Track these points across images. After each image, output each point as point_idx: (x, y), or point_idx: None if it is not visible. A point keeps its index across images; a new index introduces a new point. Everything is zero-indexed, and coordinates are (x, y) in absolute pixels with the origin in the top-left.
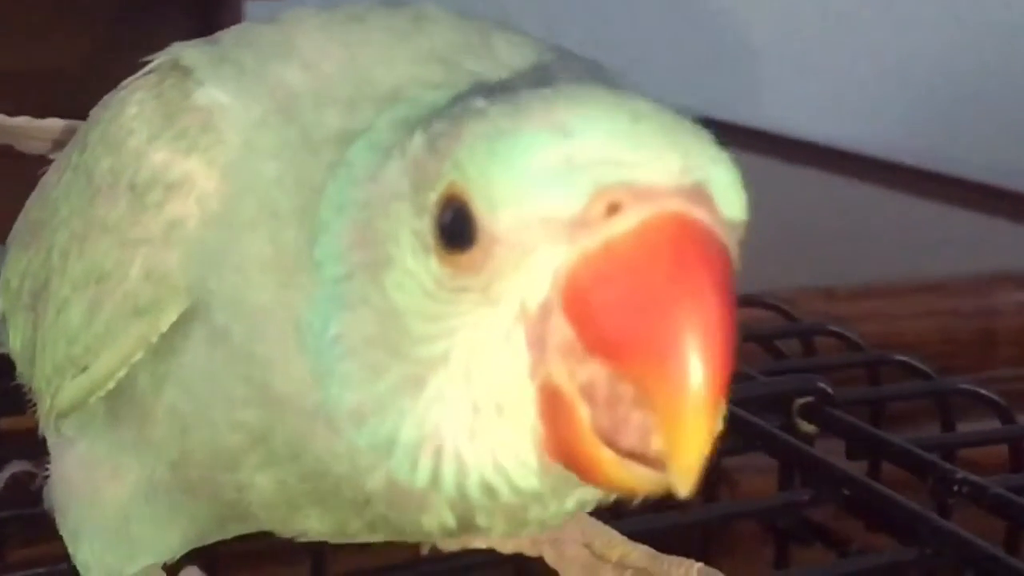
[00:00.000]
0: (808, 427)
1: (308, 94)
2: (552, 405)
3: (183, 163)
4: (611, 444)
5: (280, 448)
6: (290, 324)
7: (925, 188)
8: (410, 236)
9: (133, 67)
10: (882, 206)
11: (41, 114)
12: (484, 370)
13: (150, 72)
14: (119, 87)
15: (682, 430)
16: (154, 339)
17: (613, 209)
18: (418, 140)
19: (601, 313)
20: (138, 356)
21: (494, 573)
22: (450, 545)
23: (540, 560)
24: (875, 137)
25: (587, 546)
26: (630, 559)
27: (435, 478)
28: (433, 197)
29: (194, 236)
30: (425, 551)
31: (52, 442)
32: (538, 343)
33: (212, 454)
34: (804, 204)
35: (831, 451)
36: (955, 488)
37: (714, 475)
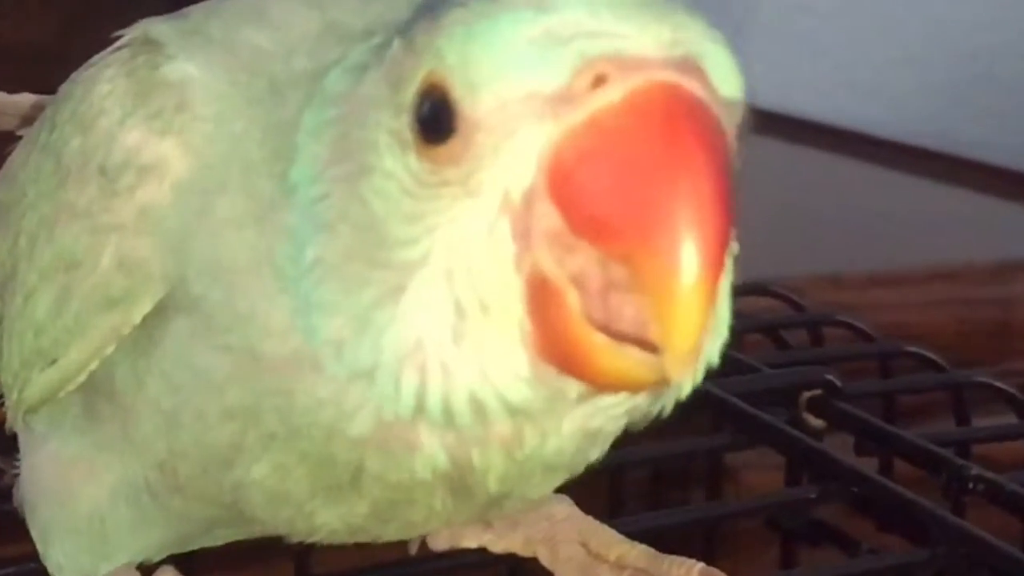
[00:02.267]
0: (816, 421)
1: (277, 50)
2: (540, 296)
3: (157, 145)
4: (604, 331)
5: (270, 421)
6: (268, 273)
7: (939, 171)
8: (388, 138)
9: (105, 41)
10: (894, 189)
11: (10, 89)
12: (466, 267)
13: (120, 48)
14: (88, 63)
15: (676, 312)
16: (127, 331)
17: (599, 81)
18: (396, 45)
19: (588, 192)
20: (110, 349)
21: (486, 574)
22: (440, 544)
23: (534, 560)
24: (887, 117)
25: (583, 545)
26: (628, 559)
27: (420, 398)
28: (411, 91)
29: (169, 221)
30: (413, 550)
31: (23, 438)
32: (523, 233)
33: (204, 451)
34: (812, 187)
35: (840, 447)
36: (970, 485)
37: (718, 471)
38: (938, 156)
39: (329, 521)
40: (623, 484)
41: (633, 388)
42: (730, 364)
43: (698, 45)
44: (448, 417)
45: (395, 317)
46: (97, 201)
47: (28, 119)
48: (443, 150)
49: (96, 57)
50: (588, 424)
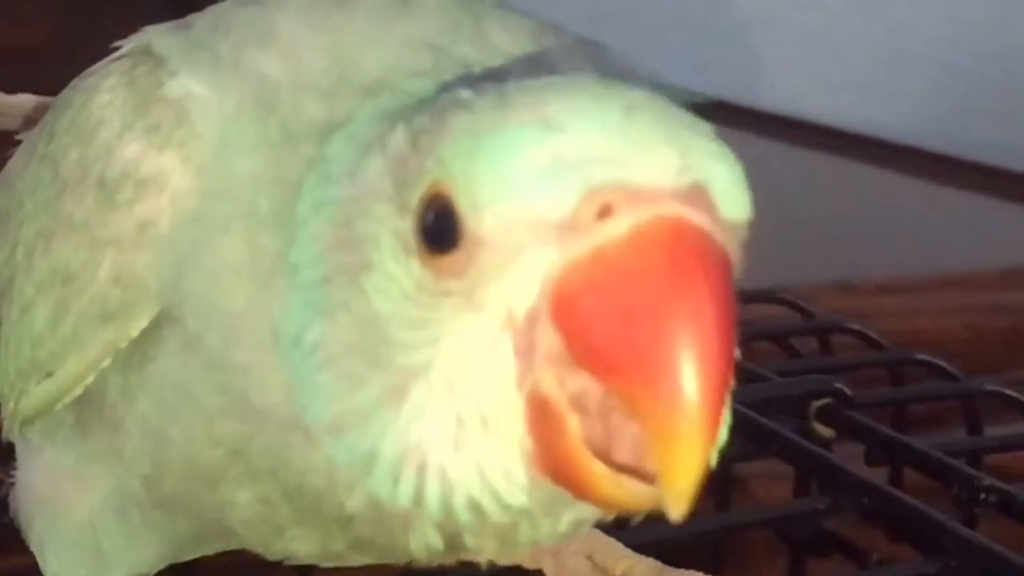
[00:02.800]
0: (825, 431)
1: (286, 84)
2: (541, 417)
3: (156, 159)
4: (604, 458)
5: (259, 462)
6: (266, 331)
7: (950, 175)
8: (391, 237)
9: (106, 43)
10: (904, 194)
11: (7, 91)
12: (469, 380)
13: (122, 57)
14: (88, 71)
15: (675, 452)
16: (123, 345)
17: (605, 211)
18: (400, 135)
19: (591, 324)
20: (106, 363)
21: None
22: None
23: (539, 573)
24: (897, 120)
25: (589, 558)
26: (635, 572)
27: (418, 495)
28: (415, 196)
29: (166, 237)
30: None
31: (19, 448)
32: (526, 352)
33: (189, 469)
34: (820, 192)
35: (850, 456)
36: (982, 496)
37: (726, 482)
38: (950, 160)
39: (309, 549)
40: None
41: (630, 512)
42: (738, 373)
43: (705, 170)
44: (446, 514)
45: (396, 420)
46: (95, 214)
47: (30, 120)
48: (447, 261)
49: (96, 65)
50: (582, 515)
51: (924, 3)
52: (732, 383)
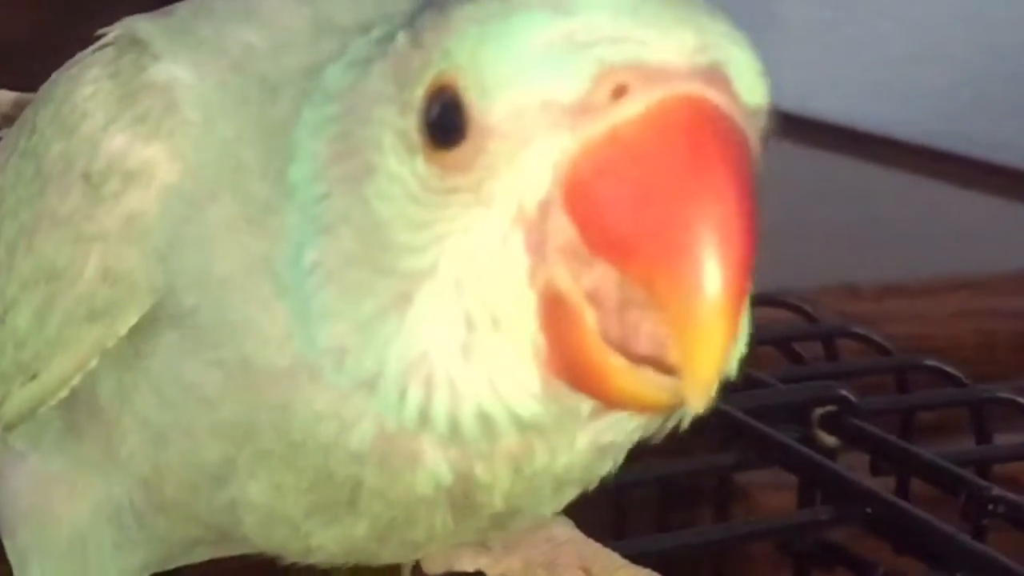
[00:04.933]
0: (830, 439)
1: (266, 47)
2: (555, 312)
3: (143, 150)
4: (621, 351)
5: (267, 439)
6: (263, 273)
7: (961, 176)
8: (393, 138)
9: (84, 37)
10: (913, 195)
11: None
12: (477, 279)
13: (104, 47)
14: (70, 62)
15: (697, 338)
16: (111, 344)
17: (619, 92)
18: (401, 38)
19: (607, 209)
20: (93, 363)
21: None
22: (436, 568)
23: None
24: (907, 119)
25: (585, 571)
26: None
27: (425, 411)
28: (419, 92)
29: (156, 230)
30: (406, 575)
31: (0, 456)
32: (538, 246)
33: (194, 469)
34: (827, 193)
35: (855, 465)
36: (990, 507)
37: (727, 492)
38: (959, 159)
39: (325, 543)
40: (628, 504)
41: (649, 410)
42: (740, 379)
43: (723, 51)
44: (454, 431)
45: (401, 328)
46: (80, 209)
47: (8, 118)
48: (453, 155)
49: (78, 55)
50: (600, 439)
51: (934, 1)
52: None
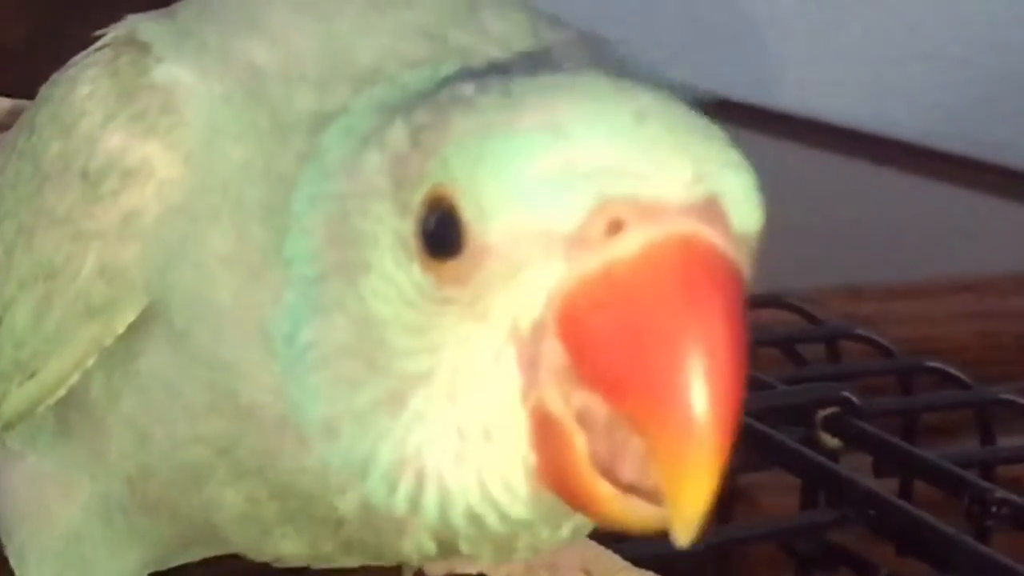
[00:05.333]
0: (832, 441)
1: (276, 72)
2: (545, 432)
3: (141, 147)
4: (609, 476)
5: (246, 462)
6: (256, 327)
7: (964, 176)
8: (391, 238)
9: (80, 43)
10: (916, 196)
11: None
12: (471, 391)
13: (103, 47)
14: (69, 63)
15: (685, 478)
16: (108, 342)
17: (615, 227)
18: (399, 131)
19: (598, 344)
20: (91, 361)
21: None
22: (437, 570)
23: None
24: (908, 119)
25: (587, 573)
26: None
27: (415, 504)
28: (417, 197)
29: (153, 229)
30: (408, 575)
31: None
32: (530, 365)
33: (174, 469)
34: (829, 194)
35: (858, 467)
36: (994, 509)
37: (729, 494)
38: (963, 160)
39: (297, 549)
40: None
41: (635, 530)
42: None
43: (719, 181)
44: (443, 523)
45: (394, 427)
46: (78, 207)
47: (4, 125)
48: (449, 267)
49: (77, 56)
50: (584, 524)
51: (939, 0)
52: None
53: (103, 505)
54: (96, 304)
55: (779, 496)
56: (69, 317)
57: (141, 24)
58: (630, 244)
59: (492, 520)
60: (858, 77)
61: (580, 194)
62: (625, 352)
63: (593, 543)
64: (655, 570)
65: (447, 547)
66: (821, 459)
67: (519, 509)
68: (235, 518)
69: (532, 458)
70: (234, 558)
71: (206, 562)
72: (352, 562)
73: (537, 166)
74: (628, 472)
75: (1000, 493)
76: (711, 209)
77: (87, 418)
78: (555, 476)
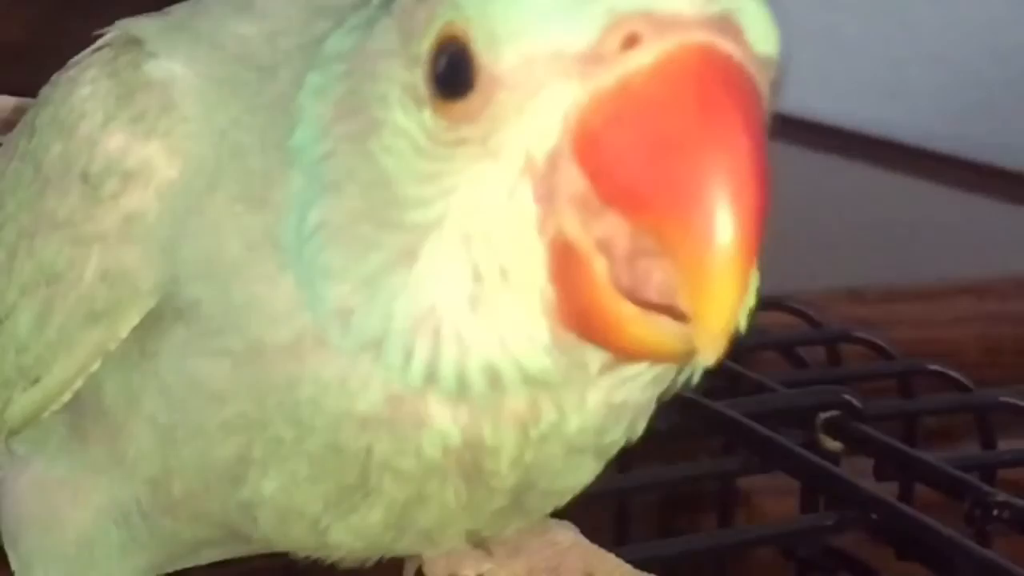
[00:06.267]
0: (833, 444)
1: (262, 35)
2: (564, 262)
3: (141, 149)
4: (632, 299)
5: (276, 424)
6: (267, 246)
7: (965, 179)
8: (400, 92)
9: (81, 40)
10: (917, 199)
11: None
12: (485, 231)
13: (101, 48)
14: (69, 64)
15: (709, 288)
16: (112, 346)
17: (630, 41)
18: None
19: (617, 159)
20: (95, 366)
21: None
22: (439, 572)
23: None
24: (909, 122)
25: (588, 575)
26: None
27: (432, 367)
28: (426, 43)
29: (156, 228)
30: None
31: (2, 461)
32: (547, 196)
33: (207, 468)
34: (830, 196)
35: (858, 471)
36: (995, 512)
37: (729, 497)
38: (964, 162)
39: (343, 537)
40: (630, 509)
41: (661, 359)
42: (743, 383)
43: (734, 0)
44: (461, 387)
45: (407, 282)
46: (79, 210)
47: (8, 123)
48: (460, 106)
49: (77, 57)
50: (611, 397)
51: (939, 3)
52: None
53: (121, 509)
54: (99, 308)
55: (779, 499)
56: (72, 322)
57: (136, 23)
58: (645, 56)
59: (511, 376)
60: (858, 80)
61: (593, 11)
62: (645, 164)
63: (595, 547)
64: (656, 573)
65: (471, 435)
66: (822, 462)
67: (539, 358)
68: (278, 515)
69: (551, 293)
70: (241, 560)
71: (212, 564)
72: (400, 547)
73: None
74: (651, 294)
75: (1001, 496)
76: (727, 24)
77: (103, 422)
78: (575, 306)
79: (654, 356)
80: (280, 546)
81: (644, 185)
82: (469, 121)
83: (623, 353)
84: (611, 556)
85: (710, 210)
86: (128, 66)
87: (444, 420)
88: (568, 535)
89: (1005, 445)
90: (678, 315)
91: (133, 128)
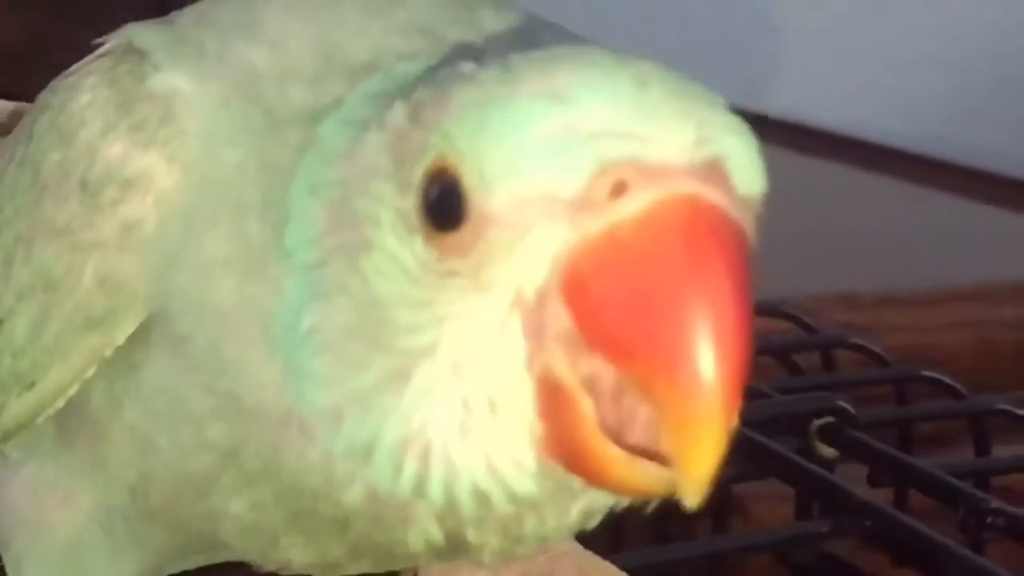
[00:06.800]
0: (828, 451)
1: (273, 72)
2: (552, 399)
3: (141, 158)
4: (617, 441)
5: (251, 465)
6: (258, 323)
7: (961, 185)
8: (392, 216)
9: (84, 43)
10: (912, 204)
11: None
12: (476, 362)
13: (103, 56)
14: (68, 71)
15: (693, 439)
16: (108, 353)
17: (619, 189)
18: (399, 110)
19: (603, 306)
20: (90, 372)
21: None
22: None
23: None
24: (905, 127)
25: None
26: None
27: (420, 484)
28: (418, 172)
29: (153, 239)
30: None
31: None
32: (536, 332)
33: (179, 479)
34: (826, 201)
35: (853, 477)
36: (989, 519)
37: (724, 504)
38: (959, 168)
39: (306, 558)
40: (624, 516)
41: (644, 497)
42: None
43: (721, 144)
44: (449, 504)
45: (399, 404)
46: (78, 217)
47: (5, 127)
48: (452, 239)
49: (77, 65)
50: (592, 507)
51: (934, 5)
52: (750, 366)
53: (104, 513)
54: (96, 315)
55: (774, 506)
56: (68, 328)
57: (140, 32)
58: (634, 205)
59: (498, 498)
60: (852, 84)
61: (582, 157)
62: (631, 313)
63: (590, 554)
64: None
65: (454, 536)
66: (816, 469)
67: (526, 484)
68: (241, 528)
69: (539, 427)
70: (231, 566)
71: (202, 570)
72: (360, 569)
73: (539, 131)
74: (635, 437)
75: (995, 504)
76: (714, 171)
77: (88, 427)
78: (562, 443)
79: (637, 495)
80: (242, 556)
81: (628, 334)
82: (460, 254)
83: (608, 489)
84: (605, 563)
85: (692, 365)
86: (129, 75)
87: (429, 522)
88: (563, 543)
89: (1000, 452)
90: (662, 459)
91: (133, 137)
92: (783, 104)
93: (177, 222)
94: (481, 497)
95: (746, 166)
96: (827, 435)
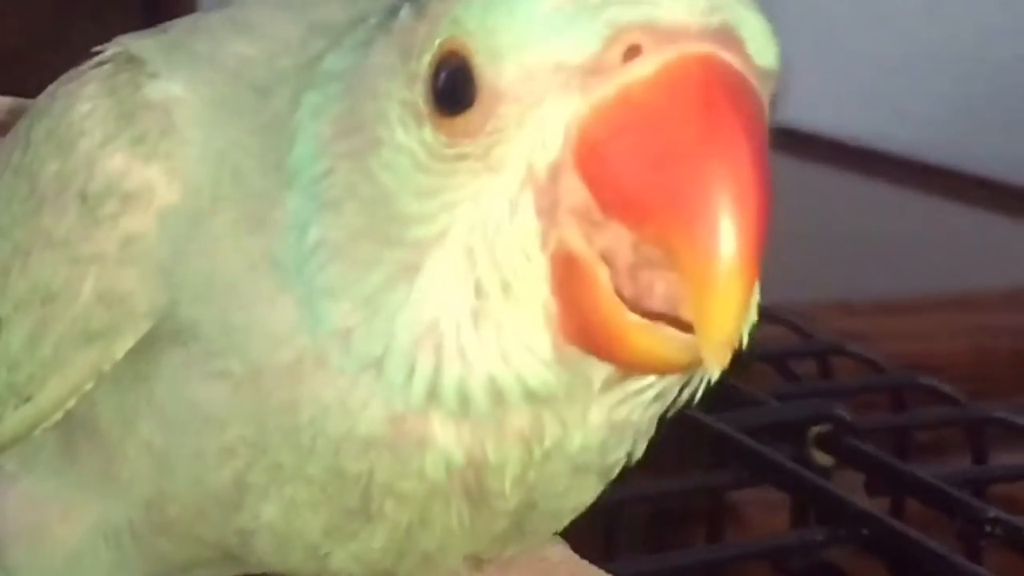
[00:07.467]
0: (824, 458)
1: (262, 56)
2: (567, 274)
3: (142, 171)
4: (635, 309)
5: (276, 449)
6: (266, 267)
7: (958, 191)
8: (400, 109)
9: (81, 43)
10: (909, 210)
11: None
12: (488, 245)
13: (101, 63)
14: (65, 77)
15: (714, 297)
16: (107, 367)
17: (631, 53)
18: (405, 12)
19: (619, 170)
20: (89, 386)
21: None
22: None
23: None
24: (902, 133)
25: None
26: None
27: (434, 385)
28: (426, 61)
29: (153, 251)
30: None
31: None
32: (548, 209)
33: (203, 494)
34: (821, 207)
35: (849, 485)
36: (987, 528)
37: (720, 511)
38: (956, 174)
39: (344, 563)
40: (620, 524)
41: (665, 369)
42: (734, 396)
43: (734, 12)
44: (463, 403)
45: (409, 298)
46: (76, 229)
47: (4, 124)
48: (461, 122)
49: (75, 70)
50: (614, 414)
51: (934, 13)
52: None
53: (112, 528)
54: (95, 329)
55: (770, 514)
56: (66, 342)
57: (136, 41)
58: (647, 67)
59: (514, 391)
60: (850, 90)
61: (594, 23)
62: (648, 174)
63: (586, 563)
64: None
65: (473, 453)
66: (813, 477)
67: (541, 373)
68: (278, 541)
69: (553, 306)
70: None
71: None
72: (399, 568)
73: (548, 2)
74: (654, 305)
75: (992, 512)
76: (728, 36)
77: (98, 442)
78: (579, 318)
79: (658, 367)
80: (278, 570)
81: (647, 195)
82: (470, 136)
83: (627, 365)
84: (601, 572)
85: (714, 220)
86: (128, 85)
87: (447, 439)
88: (558, 550)
89: (997, 460)
90: (682, 325)
91: (134, 150)
92: (781, 110)
93: (179, 226)
94: (496, 392)
95: (759, 36)
96: (824, 443)
